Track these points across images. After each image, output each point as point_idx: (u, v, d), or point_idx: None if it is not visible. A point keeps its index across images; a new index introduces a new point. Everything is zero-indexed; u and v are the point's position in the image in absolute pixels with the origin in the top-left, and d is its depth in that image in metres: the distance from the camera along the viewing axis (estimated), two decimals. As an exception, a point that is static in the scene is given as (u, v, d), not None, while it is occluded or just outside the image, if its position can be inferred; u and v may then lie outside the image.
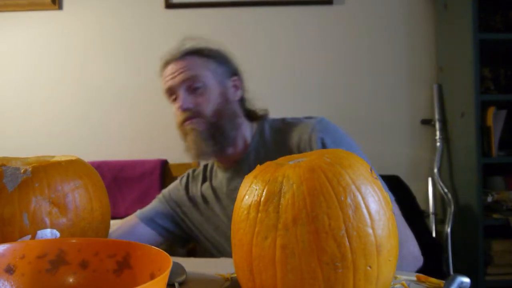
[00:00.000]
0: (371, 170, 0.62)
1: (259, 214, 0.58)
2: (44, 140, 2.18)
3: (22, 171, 0.71)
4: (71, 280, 0.62)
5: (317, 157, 0.61)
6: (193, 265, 0.82)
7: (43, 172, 0.72)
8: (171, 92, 1.21)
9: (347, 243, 0.54)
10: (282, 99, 2.14)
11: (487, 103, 1.92)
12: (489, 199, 1.91)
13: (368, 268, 0.55)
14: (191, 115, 1.16)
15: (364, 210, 0.56)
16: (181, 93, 1.17)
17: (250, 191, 0.61)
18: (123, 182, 2.03)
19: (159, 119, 2.17)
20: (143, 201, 2.02)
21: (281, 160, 0.68)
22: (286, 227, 0.55)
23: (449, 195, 2.02)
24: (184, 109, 1.16)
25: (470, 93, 1.87)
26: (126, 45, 2.19)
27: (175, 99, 1.21)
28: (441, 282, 0.72)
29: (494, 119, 1.90)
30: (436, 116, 2.10)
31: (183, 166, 2.06)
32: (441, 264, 1.94)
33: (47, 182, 0.72)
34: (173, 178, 2.07)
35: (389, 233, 0.58)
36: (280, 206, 0.57)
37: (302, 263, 0.54)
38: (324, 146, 1.08)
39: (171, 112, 2.05)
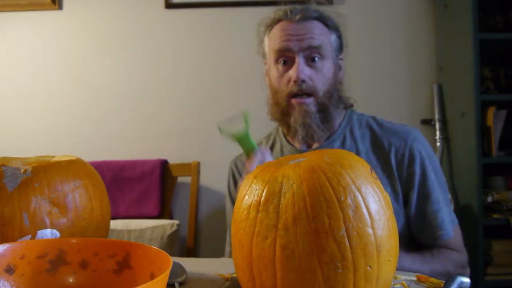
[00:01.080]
0: (371, 170, 0.62)
1: (259, 214, 0.58)
2: (44, 140, 2.18)
3: (22, 171, 0.71)
4: (71, 280, 0.62)
5: (317, 157, 0.61)
6: (193, 265, 0.82)
7: (43, 172, 0.72)
8: (284, 55, 1.07)
9: (347, 243, 0.54)
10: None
11: (487, 103, 1.92)
12: (489, 199, 1.91)
13: (368, 268, 0.55)
14: (304, 89, 1.05)
15: (364, 210, 0.56)
16: (300, 61, 1.05)
17: (250, 191, 0.61)
18: (123, 182, 2.03)
19: (159, 119, 2.17)
20: (143, 201, 2.02)
21: (281, 160, 0.68)
22: (286, 227, 0.55)
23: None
24: (300, 80, 1.04)
25: (470, 93, 1.87)
26: (126, 45, 2.19)
27: (285, 63, 1.08)
28: (441, 282, 0.72)
29: (494, 119, 1.90)
30: (436, 116, 2.10)
31: (183, 166, 2.07)
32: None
33: (47, 182, 0.72)
34: (173, 178, 2.07)
35: (389, 233, 0.58)
36: (280, 206, 0.57)
37: (302, 263, 0.54)
38: (421, 159, 1.07)
39: (171, 112, 2.06)
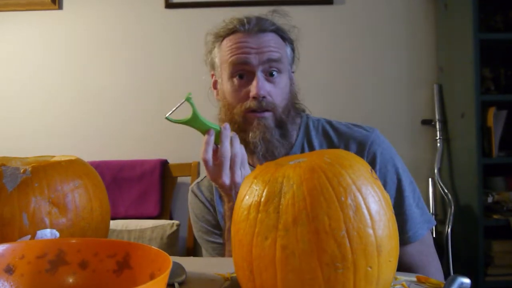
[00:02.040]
0: (371, 170, 0.62)
1: (259, 215, 0.58)
2: (44, 140, 2.18)
3: (21, 171, 0.71)
4: (70, 280, 0.61)
5: (317, 157, 0.61)
6: (193, 265, 0.82)
7: (43, 172, 0.72)
8: (241, 68, 1.02)
9: (348, 244, 0.54)
10: (282, 99, 2.14)
11: (488, 104, 1.91)
12: (490, 199, 1.91)
13: (369, 268, 0.55)
14: (264, 106, 1.01)
15: (365, 211, 0.56)
16: (259, 76, 1.00)
17: (250, 191, 0.61)
18: (123, 182, 2.03)
19: (159, 119, 2.16)
20: (143, 201, 2.02)
21: (281, 160, 0.68)
22: (286, 227, 0.55)
23: (449, 196, 2.02)
24: (261, 97, 1.00)
25: (471, 93, 1.87)
26: (126, 45, 2.19)
27: (241, 77, 1.03)
28: (441, 283, 0.71)
29: (495, 119, 1.90)
30: (437, 117, 2.10)
31: (183, 166, 2.06)
32: (441, 265, 1.94)
33: (46, 182, 0.72)
34: (173, 178, 2.07)
35: (389, 234, 0.58)
36: (280, 207, 0.57)
37: (302, 263, 0.54)
38: (382, 162, 1.03)
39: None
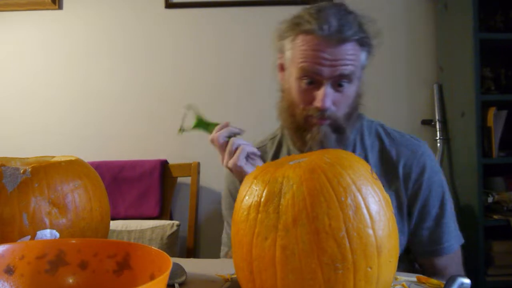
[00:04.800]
0: (371, 171, 0.62)
1: (259, 215, 0.58)
2: (44, 140, 2.18)
3: (21, 171, 0.71)
4: (70, 280, 0.61)
5: (317, 158, 0.61)
6: (193, 266, 0.82)
7: (43, 172, 0.72)
8: (310, 76, 0.99)
9: (348, 244, 0.54)
10: (282, 99, 2.14)
11: (488, 103, 1.91)
12: (490, 199, 1.91)
13: (369, 269, 0.55)
14: (324, 116, 1.00)
15: (365, 211, 0.56)
16: (327, 90, 0.98)
17: (250, 191, 0.61)
18: (123, 183, 2.03)
19: (159, 119, 2.16)
20: (143, 201, 2.02)
21: (281, 160, 0.68)
22: (286, 227, 0.55)
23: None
24: (324, 109, 0.99)
25: (471, 93, 1.87)
26: (126, 45, 2.19)
27: (310, 83, 1.00)
28: (441, 283, 0.71)
29: (495, 119, 1.90)
30: (437, 117, 2.10)
31: (183, 167, 2.06)
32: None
33: (46, 182, 0.71)
34: (173, 179, 2.07)
35: (389, 234, 0.58)
36: (280, 207, 0.57)
37: (302, 263, 0.54)
38: (429, 173, 1.05)
39: (171, 112, 2.05)
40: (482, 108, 1.88)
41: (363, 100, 1.11)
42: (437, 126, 2.10)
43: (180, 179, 2.10)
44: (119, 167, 2.04)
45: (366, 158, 1.07)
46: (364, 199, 0.57)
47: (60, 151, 2.09)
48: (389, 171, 1.06)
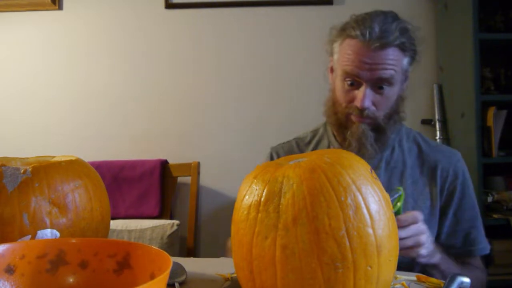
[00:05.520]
0: (371, 170, 0.62)
1: (259, 214, 0.58)
2: (44, 140, 2.18)
3: (22, 171, 0.71)
4: (71, 280, 0.62)
5: (317, 157, 0.61)
6: (193, 265, 0.82)
7: (43, 172, 0.72)
8: (351, 77, 1.06)
9: (348, 243, 0.54)
10: (282, 99, 2.14)
11: (488, 103, 1.91)
12: (490, 199, 1.91)
13: (369, 268, 0.55)
14: (363, 115, 1.07)
15: (365, 210, 0.56)
16: (366, 91, 1.05)
17: (250, 191, 0.61)
18: (123, 182, 2.03)
19: (159, 119, 2.17)
20: (143, 201, 2.02)
21: (281, 160, 0.68)
22: (286, 227, 0.55)
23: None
24: (363, 108, 1.06)
25: (471, 93, 1.87)
26: (126, 45, 2.19)
27: (352, 84, 1.07)
28: (441, 282, 0.71)
29: (495, 119, 1.90)
30: (436, 116, 2.10)
31: (183, 166, 2.07)
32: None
33: (47, 182, 0.72)
34: (173, 178, 2.07)
35: (389, 233, 0.58)
36: (280, 206, 0.57)
37: (302, 263, 0.54)
38: (463, 178, 1.14)
39: (171, 112, 2.06)
40: (482, 108, 1.88)
41: (404, 105, 1.16)
42: (437, 126, 2.10)
43: (180, 179, 2.11)
44: (119, 167, 2.04)
45: (404, 160, 1.15)
46: (364, 199, 0.57)
47: (60, 151, 2.10)
48: (426, 174, 1.14)
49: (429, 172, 1.14)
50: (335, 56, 1.14)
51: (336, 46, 1.13)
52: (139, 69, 2.18)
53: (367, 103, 1.05)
